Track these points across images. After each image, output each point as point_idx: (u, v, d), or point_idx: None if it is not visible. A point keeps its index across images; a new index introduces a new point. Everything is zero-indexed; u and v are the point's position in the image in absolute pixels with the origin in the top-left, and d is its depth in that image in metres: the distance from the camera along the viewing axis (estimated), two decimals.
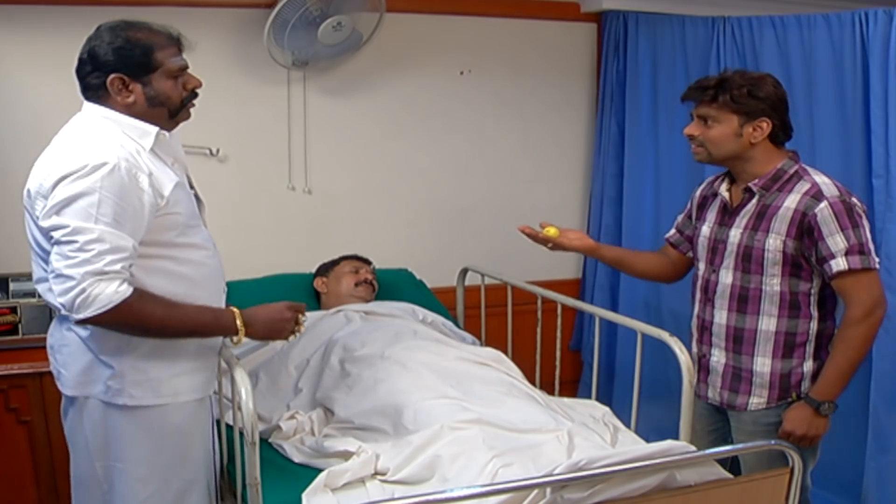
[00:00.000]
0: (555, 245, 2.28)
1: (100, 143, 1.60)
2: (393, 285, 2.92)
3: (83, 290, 1.51)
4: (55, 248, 1.54)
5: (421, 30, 3.08)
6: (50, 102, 2.65)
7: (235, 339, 1.73)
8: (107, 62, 1.64)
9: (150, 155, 1.66)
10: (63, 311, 1.56)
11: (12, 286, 2.52)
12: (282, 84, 2.93)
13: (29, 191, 1.63)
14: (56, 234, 1.54)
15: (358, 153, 3.09)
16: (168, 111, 1.71)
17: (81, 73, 1.69)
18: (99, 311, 1.52)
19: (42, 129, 2.61)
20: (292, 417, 2.14)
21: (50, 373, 2.30)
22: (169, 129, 1.74)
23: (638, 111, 3.12)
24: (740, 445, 1.95)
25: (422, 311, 2.71)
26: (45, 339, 2.40)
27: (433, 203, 3.23)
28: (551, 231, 2.27)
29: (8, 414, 2.37)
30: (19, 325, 2.45)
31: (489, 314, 2.87)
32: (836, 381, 1.93)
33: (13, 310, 2.46)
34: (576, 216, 3.46)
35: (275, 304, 1.81)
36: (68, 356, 1.70)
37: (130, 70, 1.65)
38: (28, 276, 2.51)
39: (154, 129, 1.68)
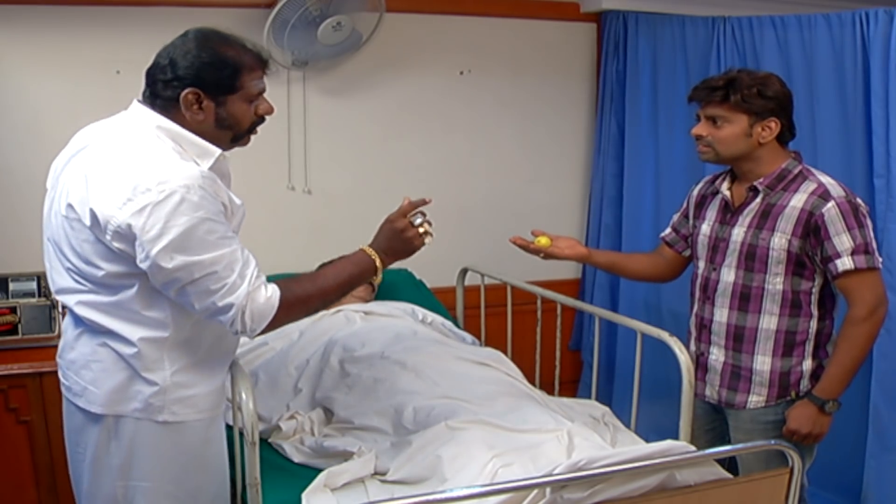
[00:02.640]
0: (547, 255, 2.28)
1: (175, 163, 1.51)
2: (393, 285, 2.92)
3: (244, 311, 1.52)
4: (193, 287, 1.50)
5: (421, 30, 3.08)
6: (50, 102, 2.66)
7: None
8: (188, 75, 1.55)
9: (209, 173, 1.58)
10: (243, 336, 1.58)
11: (12, 286, 2.52)
12: (281, 84, 2.93)
13: (93, 211, 1.49)
14: (184, 275, 1.48)
15: (358, 153, 3.09)
16: (233, 135, 1.65)
17: (155, 76, 1.58)
18: (270, 318, 1.55)
19: (42, 129, 2.64)
20: (292, 417, 2.14)
21: (50, 373, 2.31)
22: (226, 150, 1.68)
23: (638, 111, 3.12)
24: (740, 445, 1.95)
25: (421, 311, 2.71)
26: (44, 338, 2.43)
27: (433, 203, 3.21)
28: (543, 241, 2.26)
29: (8, 414, 2.37)
30: (19, 325, 2.45)
31: (489, 314, 2.87)
32: (840, 379, 1.94)
33: (13, 310, 2.46)
34: (576, 216, 3.47)
35: (385, 226, 1.78)
36: (100, 373, 1.60)
37: (209, 88, 1.56)
38: (28, 276, 2.53)
39: (216, 151, 1.61)
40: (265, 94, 1.67)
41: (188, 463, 1.67)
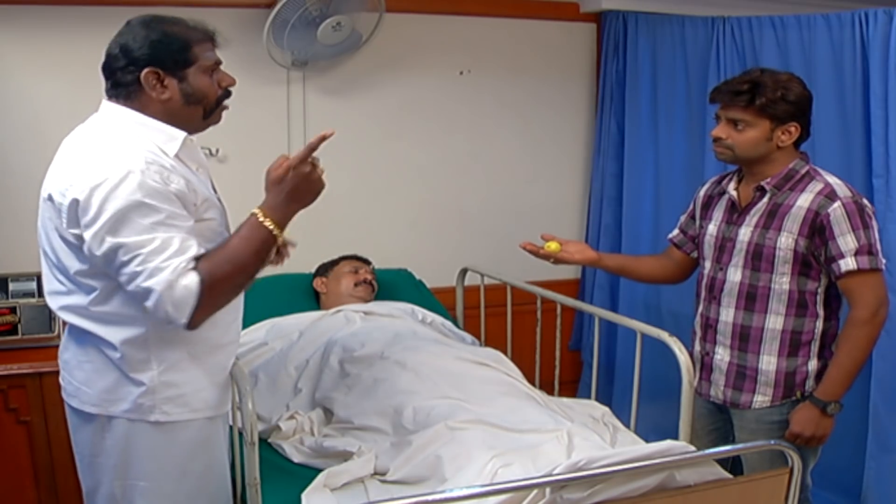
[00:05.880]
0: (557, 260, 2.28)
1: (124, 150, 1.52)
2: (392, 285, 2.92)
3: (164, 301, 1.46)
4: (123, 269, 1.48)
5: (421, 30, 3.08)
6: (50, 102, 2.66)
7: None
8: (142, 56, 1.55)
9: (175, 161, 1.59)
10: (175, 325, 1.51)
11: (12, 286, 2.52)
12: (281, 84, 2.93)
13: (51, 196, 1.54)
14: (113, 257, 1.48)
15: (358, 153, 3.09)
16: (204, 110, 1.64)
17: (111, 68, 1.59)
18: (194, 305, 1.48)
19: (42, 129, 2.64)
20: (292, 418, 2.14)
21: (50, 373, 2.32)
22: (200, 131, 1.67)
23: (638, 111, 3.12)
24: (740, 445, 1.95)
25: (421, 312, 2.71)
26: (44, 338, 2.44)
27: (433, 203, 3.23)
28: (552, 246, 2.27)
29: (7, 414, 2.38)
30: (19, 325, 2.45)
31: (489, 314, 2.87)
32: (841, 381, 1.94)
33: (13, 310, 2.46)
34: (575, 216, 3.47)
35: (286, 175, 1.61)
36: (91, 373, 1.62)
37: (166, 64, 1.56)
38: (28, 277, 2.53)
39: (181, 135, 1.60)
40: (224, 70, 1.68)
41: (185, 464, 1.67)
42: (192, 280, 1.49)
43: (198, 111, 1.63)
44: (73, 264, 1.56)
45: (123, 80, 1.58)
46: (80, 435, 1.69)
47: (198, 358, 1.67)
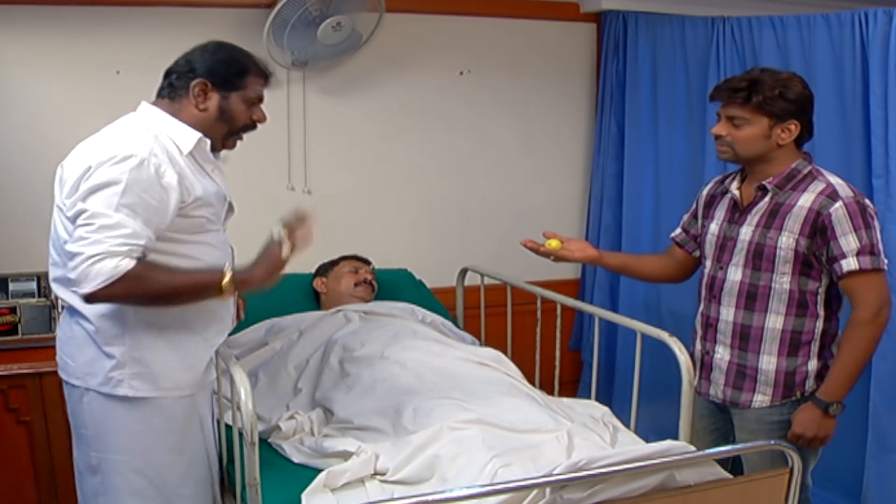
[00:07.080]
0: (558, 258, 2.28)
1: (133, 136, 1.65)
2: (392, 285, 2.92)
3: (88, 265, 1.54)
4: (75, 232, 1.58)
5: (421, 30, 3.08)
6: (50, 102, 2.66)
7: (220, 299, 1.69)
8: (202, 68, 1.74)
9: (187, 158, 1.72)
10: (75, 289, 1.60)
11: (12, 286, 2.52)
12: (281, 84, 2.93)
13: (61, 175, 1.69)
14: (79, 220, 1.58)
15: (358, 153, 3.09)
16: (228, 131, 1.80)
17: (173, 70, 1.77)
18: (103, 283, 1.54)
19: (42, 129, 2.64)
20: (292, 417, 2.14)
21: (50, 373, 2.32)
22: (216, 150, 1.82)
23: (638, 111, 3.12)
24: (740, 445, 1.95)
25: (421, 312, 2.71)
26: (44, 338, 2.45)
27: (433, 203, 3.23)
28: (553, 244, 2.26)
29: (8, 414, 2.38)
30: (19, 325, 2.45)
31: (489, 314, 2.87)
32: (843, 382, 1.94)
33: (13, 310, 2.46)
34: (575, 216, 3.47)
35: (261, 262, 1.74)
36: (75, 348, 1.75)
37: (219, 81, 1.74)
38: (28, 277, 2.54)
39: (197, 134, 1.73)
40: (262, 106, 1.84)
41: (153, 440, 1.76)
42: (124, 266, 1.55)
43: (223, 128, 1.79)
44: (65, 236, 1.67)
45: (176, 83, 1.76)
46: (69, 406, 1.81)
47: (170, 340, 1.75)
